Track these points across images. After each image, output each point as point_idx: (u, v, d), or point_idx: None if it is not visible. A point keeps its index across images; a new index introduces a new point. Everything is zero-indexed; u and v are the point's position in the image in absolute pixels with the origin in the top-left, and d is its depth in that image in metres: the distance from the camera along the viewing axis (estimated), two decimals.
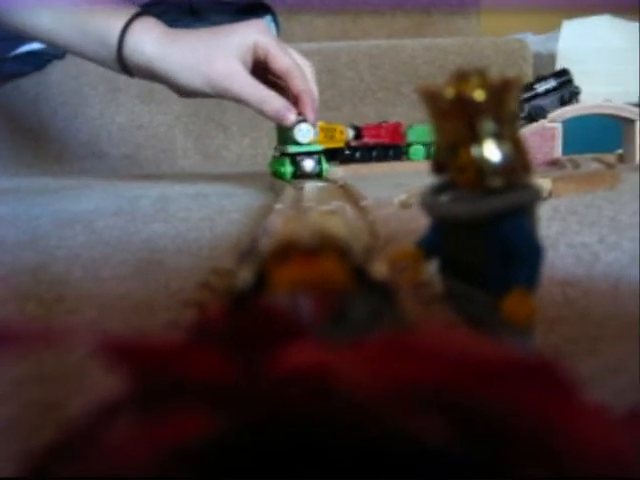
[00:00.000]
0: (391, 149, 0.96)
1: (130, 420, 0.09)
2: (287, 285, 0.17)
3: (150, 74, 0.65)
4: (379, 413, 0.08)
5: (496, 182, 0.16)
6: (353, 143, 0.94)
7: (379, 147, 0.95)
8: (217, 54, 0.61)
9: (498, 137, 0.16)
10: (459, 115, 0.16)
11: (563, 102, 0.93)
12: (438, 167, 0.18)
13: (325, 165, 0.64)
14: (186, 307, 0.15)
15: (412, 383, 0.08)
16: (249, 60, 0.63)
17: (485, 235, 0.16)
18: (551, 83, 0.94)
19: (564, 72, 0.98)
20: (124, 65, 0.65)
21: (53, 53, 1.18)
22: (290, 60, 0.62)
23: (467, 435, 0.08)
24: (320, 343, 0.09)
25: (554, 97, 0.94)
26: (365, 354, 0.09)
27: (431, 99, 0.16)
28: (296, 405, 0.08)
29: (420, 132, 0.96)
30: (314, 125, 0.62)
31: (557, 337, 0.24)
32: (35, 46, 1.14)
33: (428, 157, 0.95)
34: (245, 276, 0.18)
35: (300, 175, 0.62)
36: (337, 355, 0.09)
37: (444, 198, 0.18)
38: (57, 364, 0.22)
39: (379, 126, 0.96)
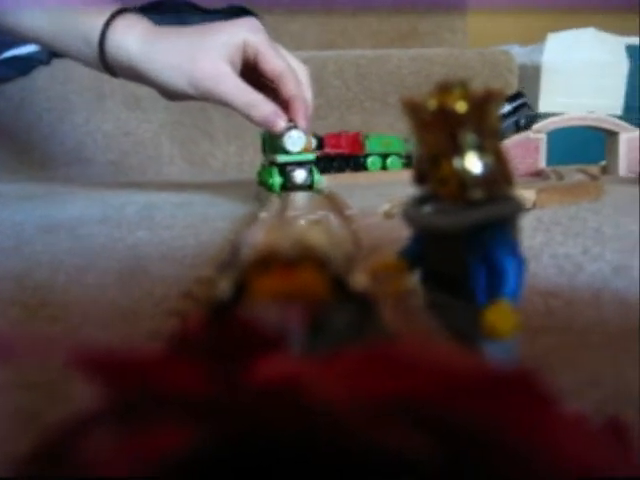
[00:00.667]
0: (351, 159, 0.93)
1: (110, 432, 0.09)
2: (267, 296, 0.17)
3: (133, 73, 0.60)
4: (356, 426, 0.08)
5: (477, 194, 0.16)
6: (316, 153, 0.89)
7: (339, 158, 0.91)
8: (203, 53, 0.57)
9: (480, 149, 0.16)
10: (441, 127, 0.16)
11: (519, 127, 0.91)
12: (420, 178, 0.18)
13: (317, 176, 0.59)
14: (169, 317, 0.15)
15: (390, 396, 0.08)
16: (238, 61, 0.58)
17: (467, 246, 0.16)
18: (506, 107, 0.92)
19: (519, 95, 0.94)
20: (106, 64, 0.61)
21: (39, 58, 1.17)
22: (282, 62, 0.58)
23: (446, 448, 0.08)
24: (297, 355, 0.09)
25: (509, 121, 0.91)
26: (343, 366, 0.09)
27: (414, 110, 0.17)
28: (271, 417, 0.08)
29: (377, 142, 0.94)
30: (306, 133, 0.58)
31: (539, 347, 0.24)
32: (21, 51, 1.13)
33: (384, 168, 0.94)
34: (225, 286, 0.17)
35: (290, 187, 0.57)
36: (313, 367, 0.09)
37: (426, 209, 0.18)
38: (39, 372, 0.22)
39: (339, 135, 0.93)
